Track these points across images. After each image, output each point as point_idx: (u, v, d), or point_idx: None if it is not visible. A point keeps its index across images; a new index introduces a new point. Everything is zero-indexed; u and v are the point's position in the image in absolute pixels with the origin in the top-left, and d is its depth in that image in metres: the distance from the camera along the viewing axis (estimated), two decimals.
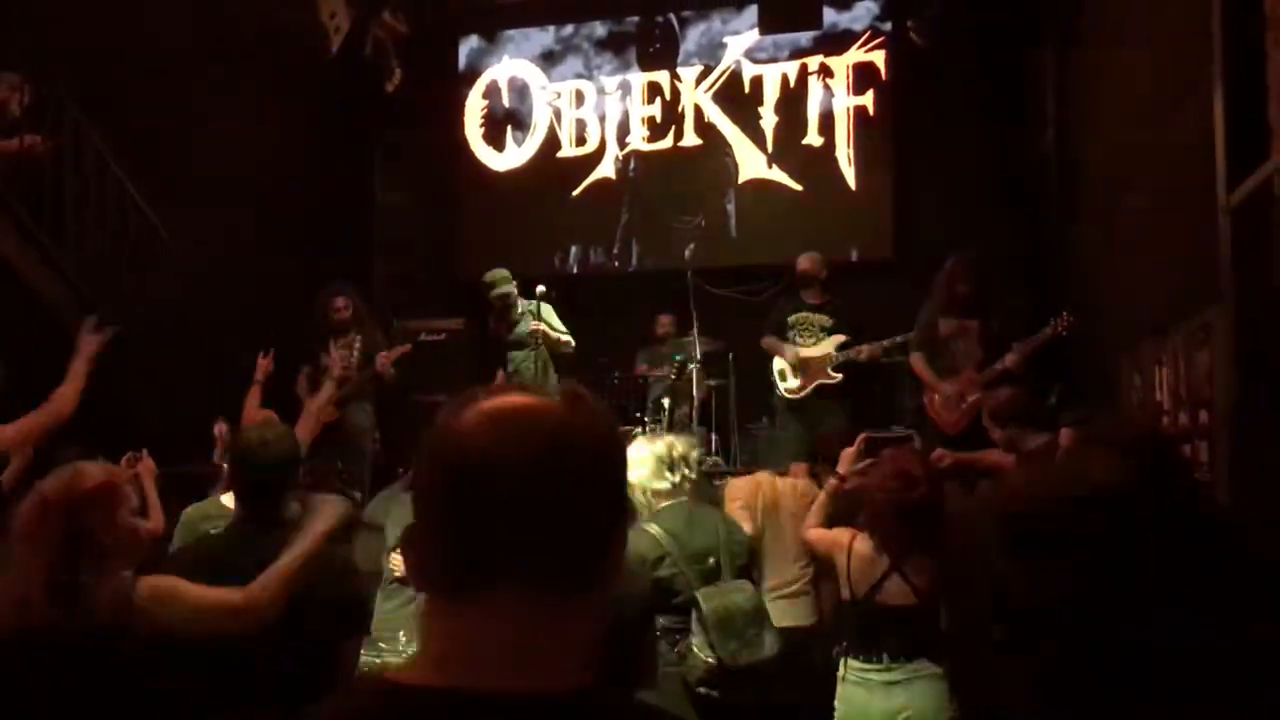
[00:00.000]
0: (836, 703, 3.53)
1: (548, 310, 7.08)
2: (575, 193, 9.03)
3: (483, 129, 9.29)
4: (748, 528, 4.38)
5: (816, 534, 3.85)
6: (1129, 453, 1.73)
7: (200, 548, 2.98)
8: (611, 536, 1.02)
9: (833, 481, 4.01)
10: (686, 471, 3.55)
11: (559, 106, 9.17)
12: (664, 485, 3.52)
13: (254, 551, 2.62)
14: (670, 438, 3.69)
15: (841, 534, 3.62)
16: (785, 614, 4.32)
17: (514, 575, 0.96)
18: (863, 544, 3.50)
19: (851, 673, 3.49)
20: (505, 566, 0.96)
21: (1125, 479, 1.34)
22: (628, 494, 1.07)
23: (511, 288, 7.21)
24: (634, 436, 4.82)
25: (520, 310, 7.14)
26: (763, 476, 4.70)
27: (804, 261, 6.87)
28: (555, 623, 0.98)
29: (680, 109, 8.88)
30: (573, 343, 6.96)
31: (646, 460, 3.52)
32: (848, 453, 4.05)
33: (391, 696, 0.97)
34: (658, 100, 8.94)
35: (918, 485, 3.40)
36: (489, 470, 0.97)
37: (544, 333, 6.82)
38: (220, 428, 5.50)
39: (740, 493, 4.65)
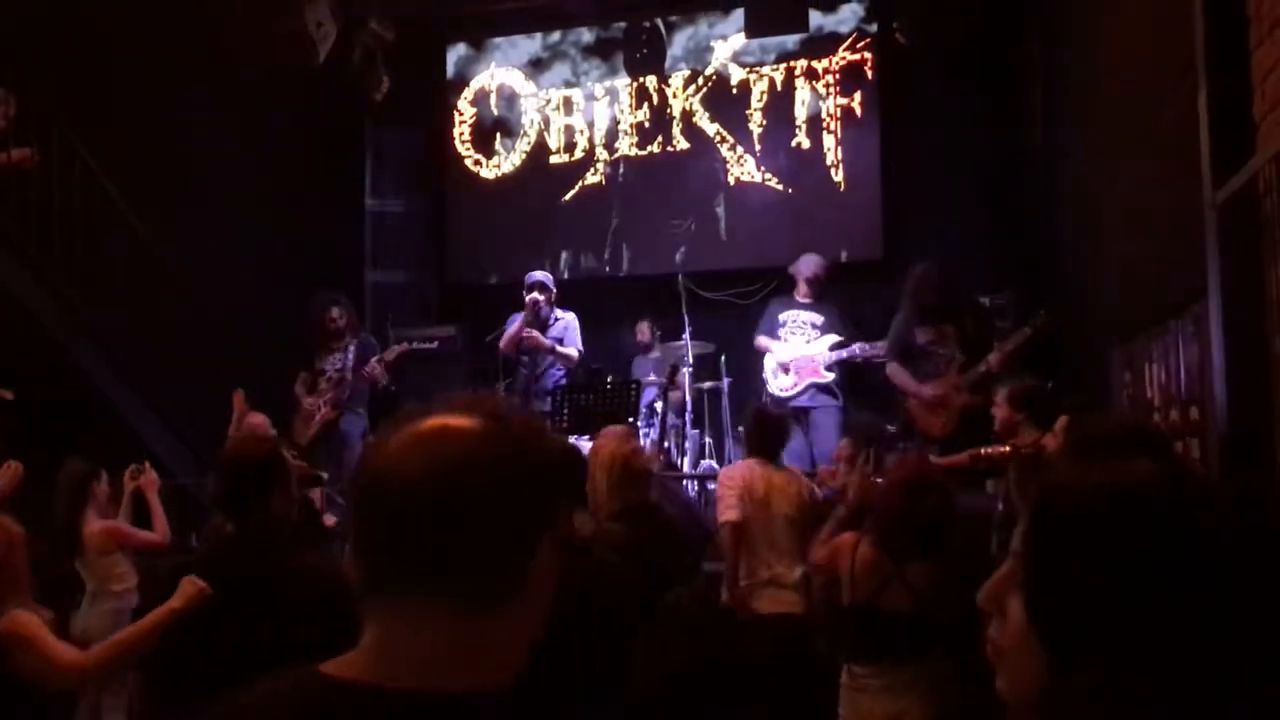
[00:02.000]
0: (840, 709, 3.53)
1: (573, 322, 7.02)
2: (565, 198, 9.04)
3: (471, 136, 9.30)
4: (735, 515, 4.40)
5: (821, 553, 3.85)
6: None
7: (187, 562, 2.97)
8: (518, 554, 1.04)
9: (841, 510, 4.03)
10: None
11: (547, 113, 9.17)
12: None
13: (240, 561, 2.64)
14: None
15: (846, 538, 3.62)
16: (775, 602, 4.35)
17: (418, 586, 1.01)
18: (866, 548, 3.49)
19: (852, 678, 3.50)
20: (408, 578, 1.01)
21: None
22: (547, 511, 1.07)
23: (551, 293, 7.06)
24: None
25: (555, 317, 7.05)
26: (756, 467, 4.66)
27: (811, 265, 6.90)
28: (467, 632, 1.02)
29: (668, 113, 8.89)
30: (574, 356, 6.92)
31: None
32: (859, 470, 4.08)
33: (313, 684, 1.04)
34: (646, 105, 8.95)
35: (929, 495, 3.41)
36: (391, 487, 1.02)
37: (536, 339, 6.80)
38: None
39: (733, 481, 4.63)
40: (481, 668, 1.03)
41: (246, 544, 2.70)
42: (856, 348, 6.63)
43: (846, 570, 3.52)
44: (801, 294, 6.93)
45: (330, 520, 4.81)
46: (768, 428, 4.78)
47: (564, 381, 7.03)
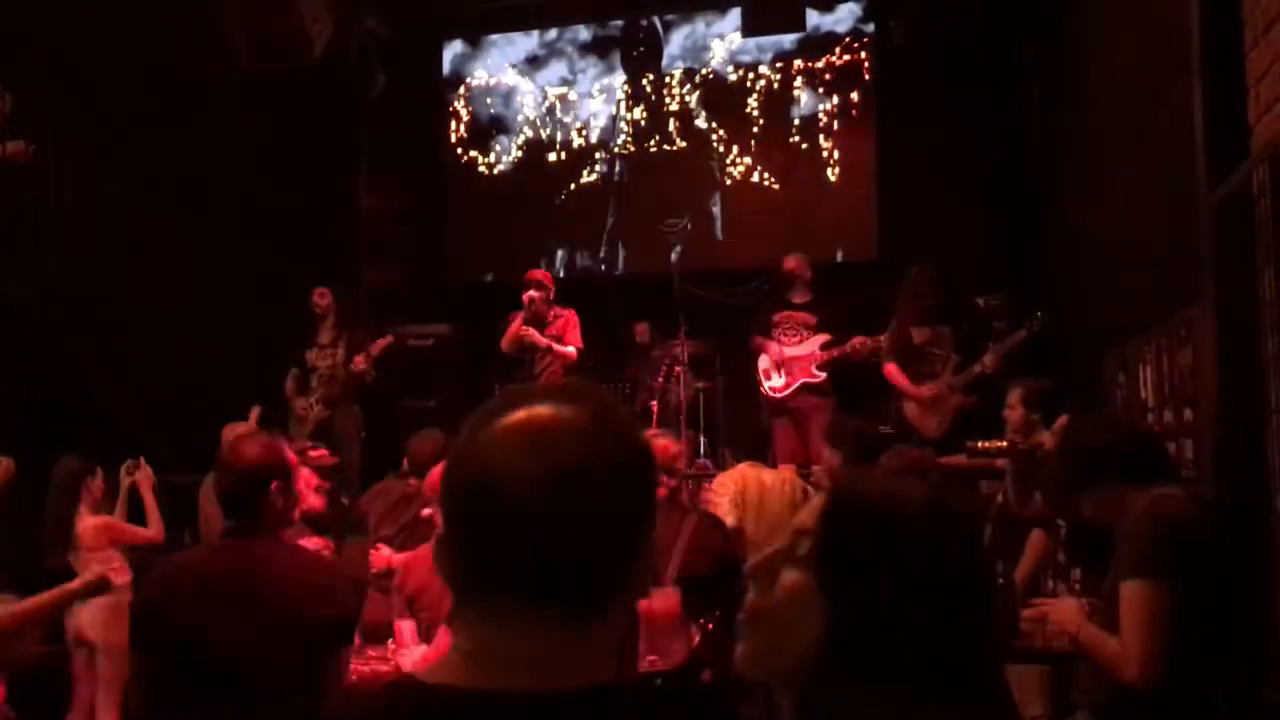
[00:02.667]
0: None
1: (573, 319, 6.98)
2: (561, 197, 9.04)
3: (468, 134, 9.30)
4: (731, 521, 4.39)
5: None
6: None
7: (186, 560, 2.98)
8: (627, 556, 1.01)
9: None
10: None
11: (544, 111, 9.17)
12: None
13: (241, 563, 2.64)
14: None
15: None
16: None
17: (520, 590, 0.97)
18: None
19: None
20: (510, 581, 0.98)
21: None
22: (651, 510, 1.04)
23: (548, 290, 7.03)
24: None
25: (554, 315, 7.02)
26: (748, 470, 4.67)
27: (790, 261, 6.92)
28: (576, 635, 0.99)
29: (665, 112, 8.90)
30: (572, 354, 6.89)
31: None
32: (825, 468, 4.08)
33: (408, 693, 1.00)
34: (642, 104, 8.96)
35: (929, 477, 3.42)
36: (497, 485, 0.97)
37: (533, 337, 6.78)
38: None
39: (726, 486, 4.64)
40: (587, 668, 0.99)
41: (246, 539, 2.70)
42: (855, 341, 6.64)
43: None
44: (794, 294, 6.94)
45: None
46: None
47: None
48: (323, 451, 5.56)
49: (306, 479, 3.96)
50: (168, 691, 2.58)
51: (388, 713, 0.99)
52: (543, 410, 1.00)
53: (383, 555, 4.49)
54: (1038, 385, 4.50)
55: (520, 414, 1.00)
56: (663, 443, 3.72)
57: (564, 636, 0.98)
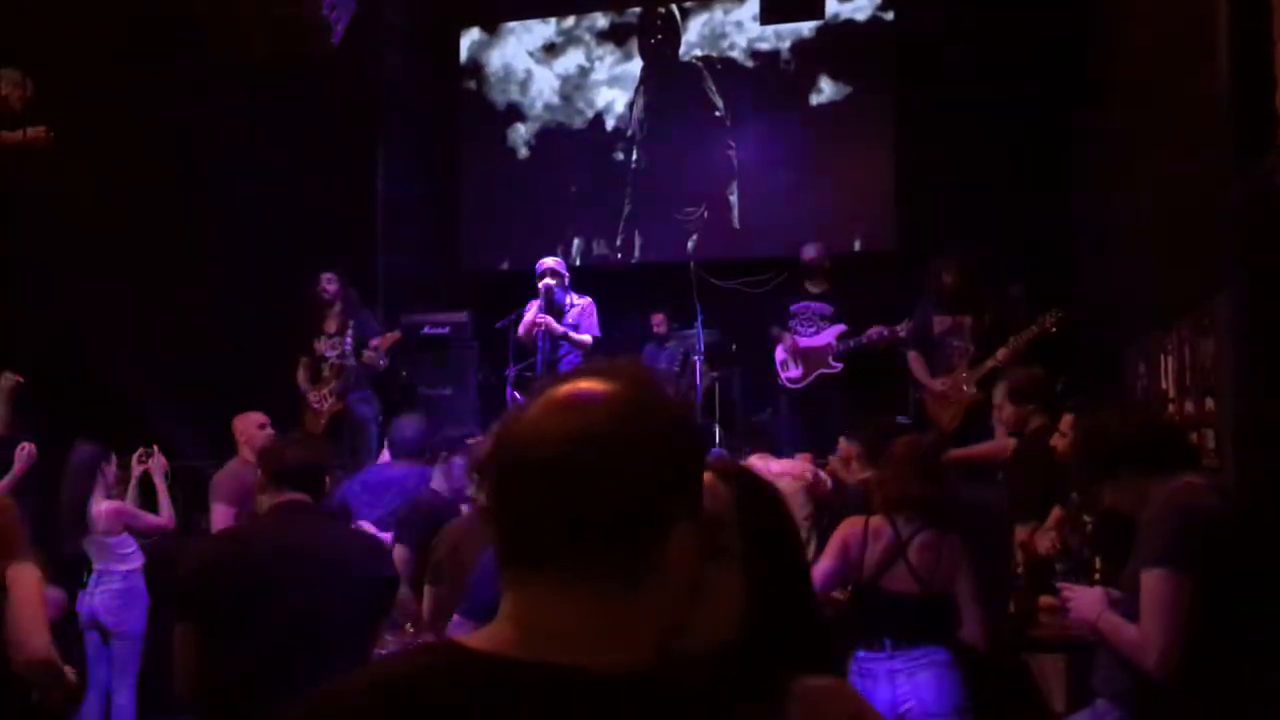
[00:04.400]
0: None
1: (590, 306, 6.99)
2: (578, 185, 9.02)
3: (484, 121, 9.28)
4: None
5: (830, 543, 3.80)
6: None
7: (241, 530, 3.17)
8: (657, 533, 1.00)
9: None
10: None
11: (560, 98, 9.15)
12: None
13: (296, 534, 2.80)
14: None
15: (852, 521, 3.59)
16: None
17: (560, 557, 0.98)
18: (877, 522, 3.48)
19: (855, 663, 3.48)
20: (550, 548, 0.99)
21: None
22: (688, 489, 1.04)
23: (564, 278, 7.03)
24: None
25: (571, 302, 7.02)
26: (756, 460, 4.64)
27: (808, 251, 6.90)
28: (605, 609, 0.99)
29: (682, 100, 8.86)
30: (588, 342, 6.89)
31: None
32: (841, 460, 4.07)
33: (453, 658, 1.00)
34: (660, 91, 8.92)
35: (933, 451, 3.43)
36: (529, 448, 0.99)
37: (549, 325, 6.77)
38: None
39: None
40: (620, 646, 0.99)
41: (299, 514, 2.86)
42: (872, 331, 6.62)
43: (858, 552, 3.49)
44: (811, 284, 6.92)
45: None
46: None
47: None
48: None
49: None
50: (226, 659, 2.66)
51: (430, 675, 0.98)
52: (583, 383, 1.03)
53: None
54: (1026, 377, 4.48)
55: (562, 388, 1.03)
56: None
57: (593, 610, 0.98)
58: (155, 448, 5.26)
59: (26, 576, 2.76)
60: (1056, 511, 3.81)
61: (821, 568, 3.54)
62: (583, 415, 0.99)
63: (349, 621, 2.68)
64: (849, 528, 3.56)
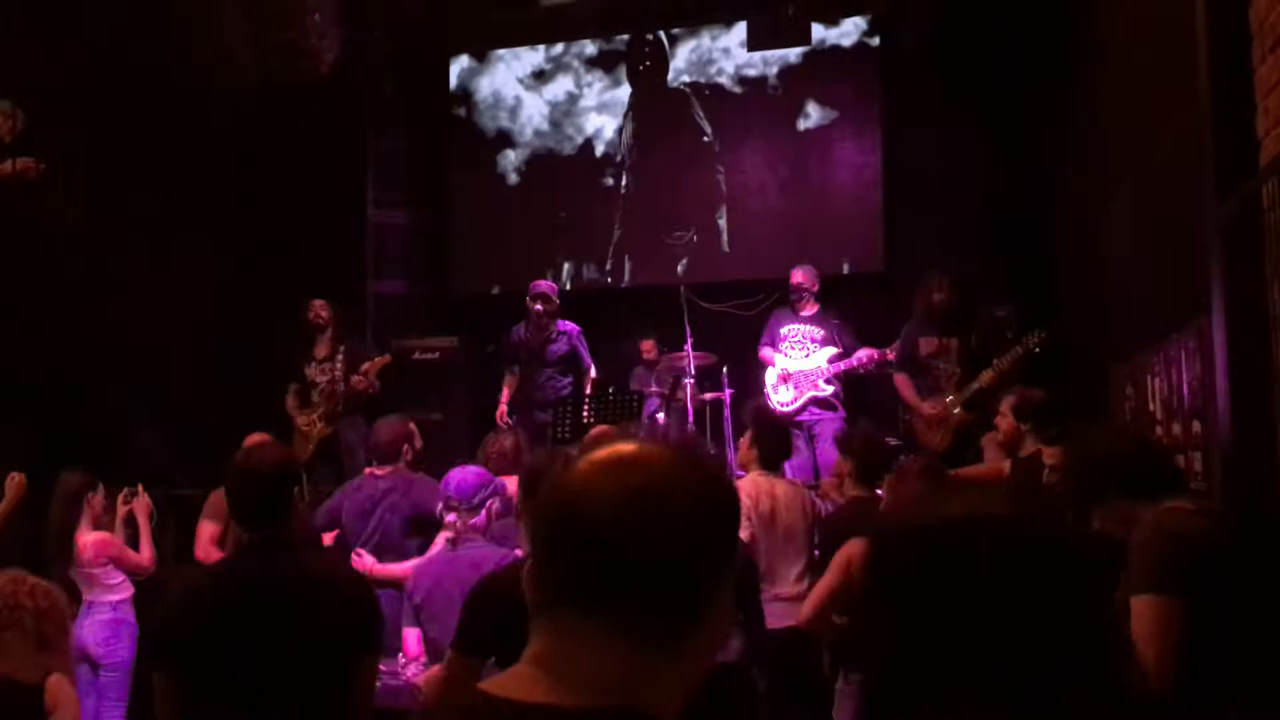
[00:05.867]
0: (836, 715, 3.51)
1: (581, 340, 7.10)
2: (567, 209, 9.05)
3: (474, 146, 9.31)
4: (744, 533, 4.36)
5: (832, 563, 3.78)
6: None
7: (210, 573, 2.98)
8: (703, 587, 1.05)
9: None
10: None
11: (549, 124, 9.19)
12: None
13: (266, 575, 2.63)
14: None
15: (853, 545, 3.57)
16: (785, 616, 4.30)
17: (598, 611, 1.02)
18: None
19: (849, 683, 3.47)
20: (591, 601, 1.02)
21: None
22: (730, 548, 1.10)
23: (553, 303, 7.10)
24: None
25: (555, 330, 7.06)
26: (760, 480, 4.63)
27: (797, 274, 6.92)
28: (645, 663, 1.02)
29: (671, 125, 8.90)
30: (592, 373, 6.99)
31: None
32: (835, 481, 4.07)
33: (487, 707, 1.03)
34: (648, 117, 8.96)
35: (940, 477, 3.41)
36: (579, 507, 1.04)
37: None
38: None
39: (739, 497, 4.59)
40: (654, 697, 1.03)
41: (266, 552, 2.69)
42: (862, 353, 6.65)
43: (857, 573, 3.47)
44: (801, 307, 6.94)
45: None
46: (773, 438, 4.75)
47: (566, 392, 7.03)
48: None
49: None
50: (195, 709, 2.56)
51: None
52: (627, 447, 1.08)
53: (364, 562, 4.45)
54: (1029, 396, 4.51)
55: (606, 451, 1.08)
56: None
57: (632, 662, 1.02)
58: (140, 487, 5.20)
59: (67, 697, 2.89)
60: None
61: (824, 583, 3.55)
62: (634, 475, 1.04)
63: (325, 664, 2.55)
64: (853, 548, 3.56)
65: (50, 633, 3.00)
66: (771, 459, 4.68)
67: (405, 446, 4.85)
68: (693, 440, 1.15)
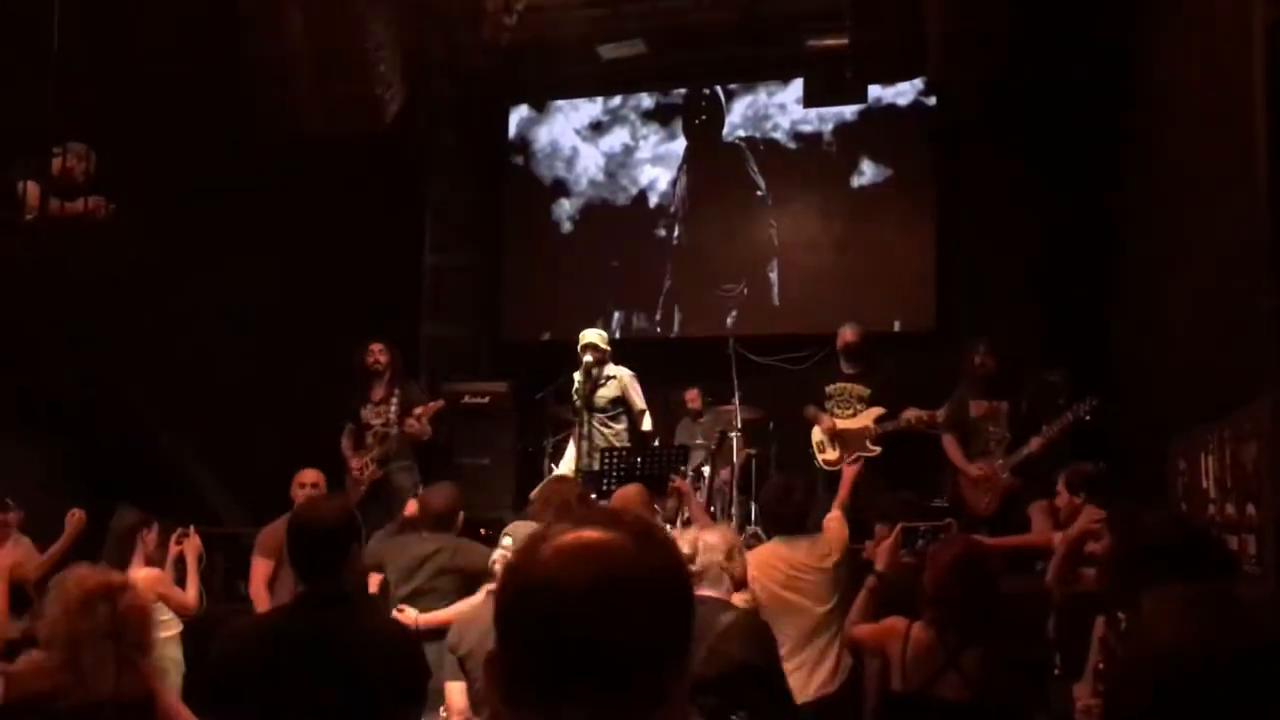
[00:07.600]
0: None
1: (632, 382, 7.01)
2: (620, 259, 9.12)
3: (530, 195, 9.44)
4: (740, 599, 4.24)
5: (864, 630, 3.77)
6: None
7: (263, 623, 3.01)
8: (667, 669, 1.07)
9: (872, 580, 3.97)
10: None
11: (605, 174, 9.30)
12: None
13: (318, 628, 2.66)
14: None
15: (896, 623, 3.54)
16: (809, 684, 4.23)
17: (571, 698, 1.03)
18: (920, 632, 3.39)
19: None
20: (563, 689, 1.04)
21: None
22: (688, 632, 1.11)
23: (604, 350, 7.01)
24: None
25: (608, 375, 7.06)
26: (781, 548, 4.52)
27: (846, 333, 6.90)
28: None
29: (724, 179, 8.97)
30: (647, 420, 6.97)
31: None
32: (886, 546, 4.02)
33: None
34: (703, 170, 9.04)
35: (980, 570, 3.35)
36: (549, 598, 1.05)
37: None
38: None
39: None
40: None
41: (322, 605, 2.72)
42: (908, 414, 6.60)
43: (898, 656, 3.43)
44: (848, 365, 6.91)
45: None
46: (780, 508, 4.67)
47: (617, 440, 7.02)
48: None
49: None
50: None
51: None
52: (589, 532, 1.09)
53: (408, 617, 4.45)
54: (1082, 470, 4.45)
55: (569, 536, 1.09)
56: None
57: None
58: (193, 529, 5.28)
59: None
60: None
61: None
62: (601, 562, 1.06)
63: (369, 718, 2.59)
64: (893, 623, 3.52)
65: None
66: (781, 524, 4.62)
67: (460, 514, 4.87)
68: (648, 524, 1.15)
